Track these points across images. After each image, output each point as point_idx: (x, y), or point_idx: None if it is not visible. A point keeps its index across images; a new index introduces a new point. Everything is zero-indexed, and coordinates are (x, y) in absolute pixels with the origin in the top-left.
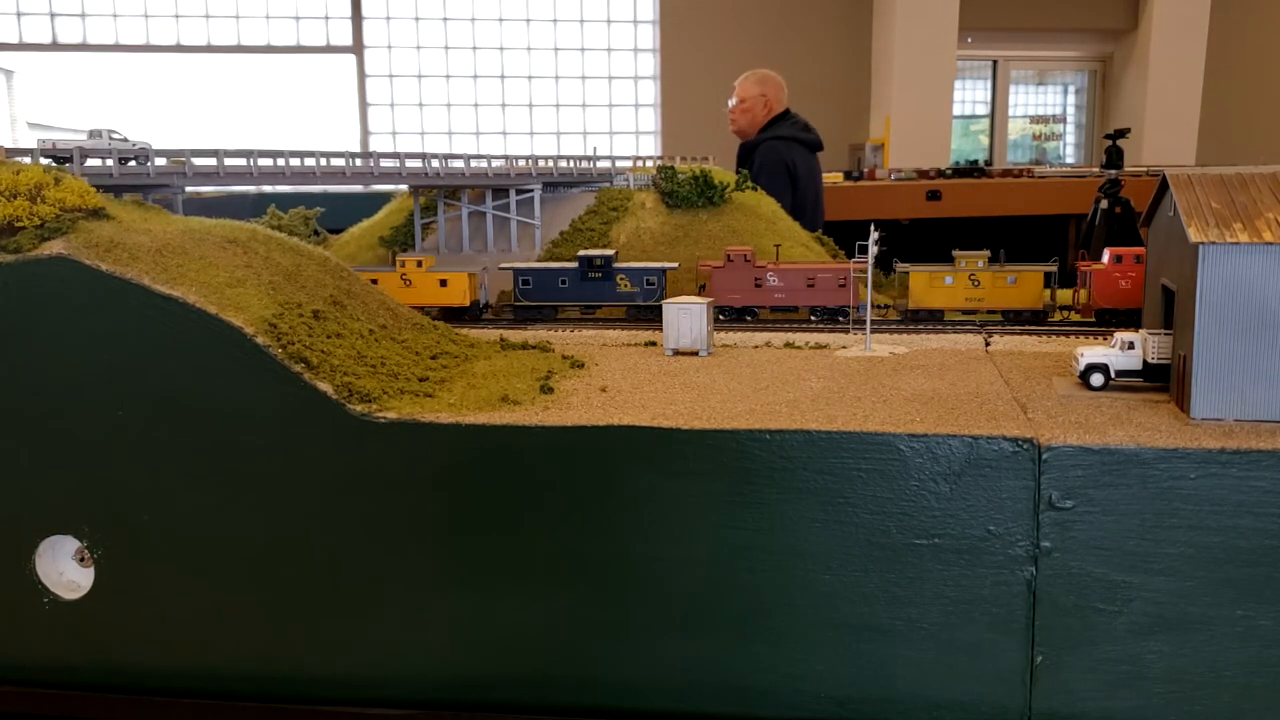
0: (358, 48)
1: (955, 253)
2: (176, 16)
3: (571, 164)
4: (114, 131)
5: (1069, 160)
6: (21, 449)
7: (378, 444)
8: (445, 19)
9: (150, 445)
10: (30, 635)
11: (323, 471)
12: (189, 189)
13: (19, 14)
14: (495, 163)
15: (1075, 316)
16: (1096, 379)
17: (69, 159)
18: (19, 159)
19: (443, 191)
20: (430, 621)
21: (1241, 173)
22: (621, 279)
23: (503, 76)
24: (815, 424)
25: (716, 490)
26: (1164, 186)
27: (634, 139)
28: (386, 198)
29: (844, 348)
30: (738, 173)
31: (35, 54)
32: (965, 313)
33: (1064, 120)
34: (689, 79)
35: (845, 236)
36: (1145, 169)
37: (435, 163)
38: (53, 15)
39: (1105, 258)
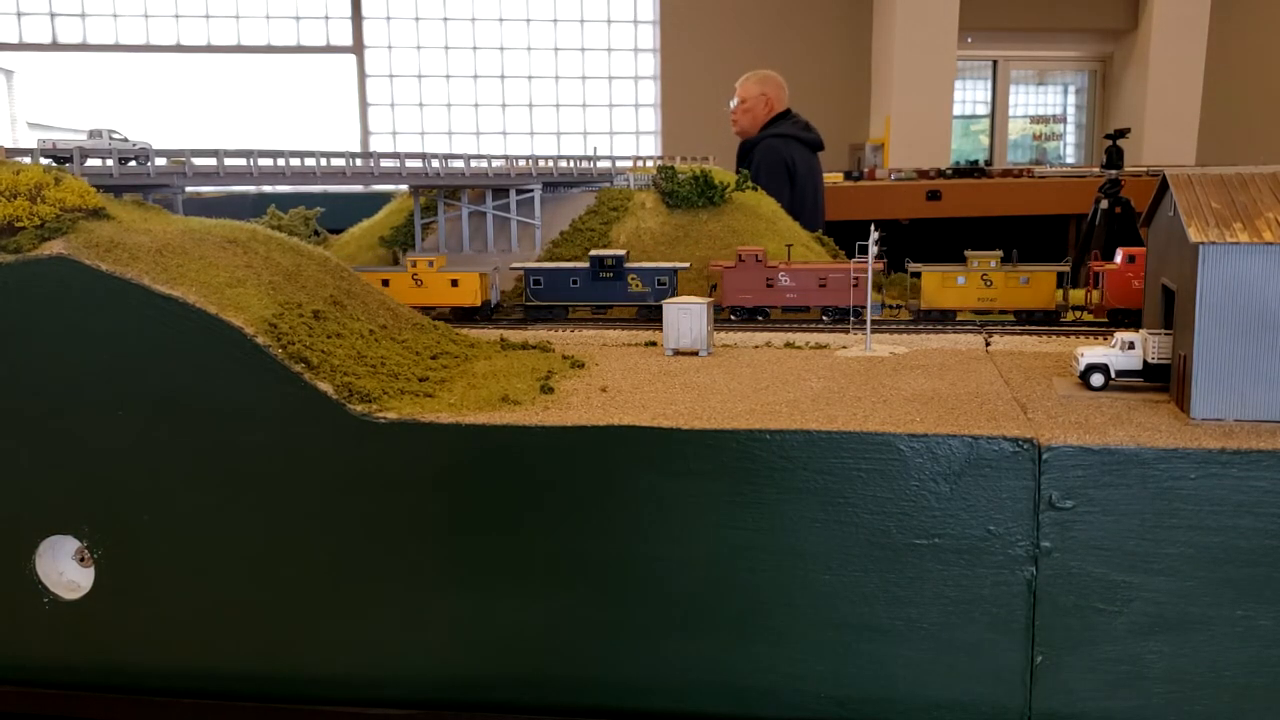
0: (358, 48)
1: (968, 253)
2: (176, 16)
3: (571, 164)
4: (114, 131)
5: (1069, 160)
6: (21, 449)
7: (378, 444)
8: (445, 19)
9: (150, 445)
10: (30, 635)
11: (323, 471)
12: (189, 189)
13: (19, 14)
14: (495, 163)
15: (1088, 317)
16: (1096, 379)
17: (69, 159)
18: (19, 159)
19: (443, 191)
20: (430, 621)
21: (1241, 173)
22: (633, 279)
23: (503, 76)
24: (815, 424)
25: (716, 490)
26: (1164, 186)
27: (634, 139)
28: (386, 198)
29: (844, 348)
30: (737, 172)
31: (35, 54)
32: (978, 313)
33: (1064, 120)
34: (689, 79)
35: (845, 236)
36: (1145, 169)
37: (435, 163)
38: (53, 15)
39: (1118, 258)
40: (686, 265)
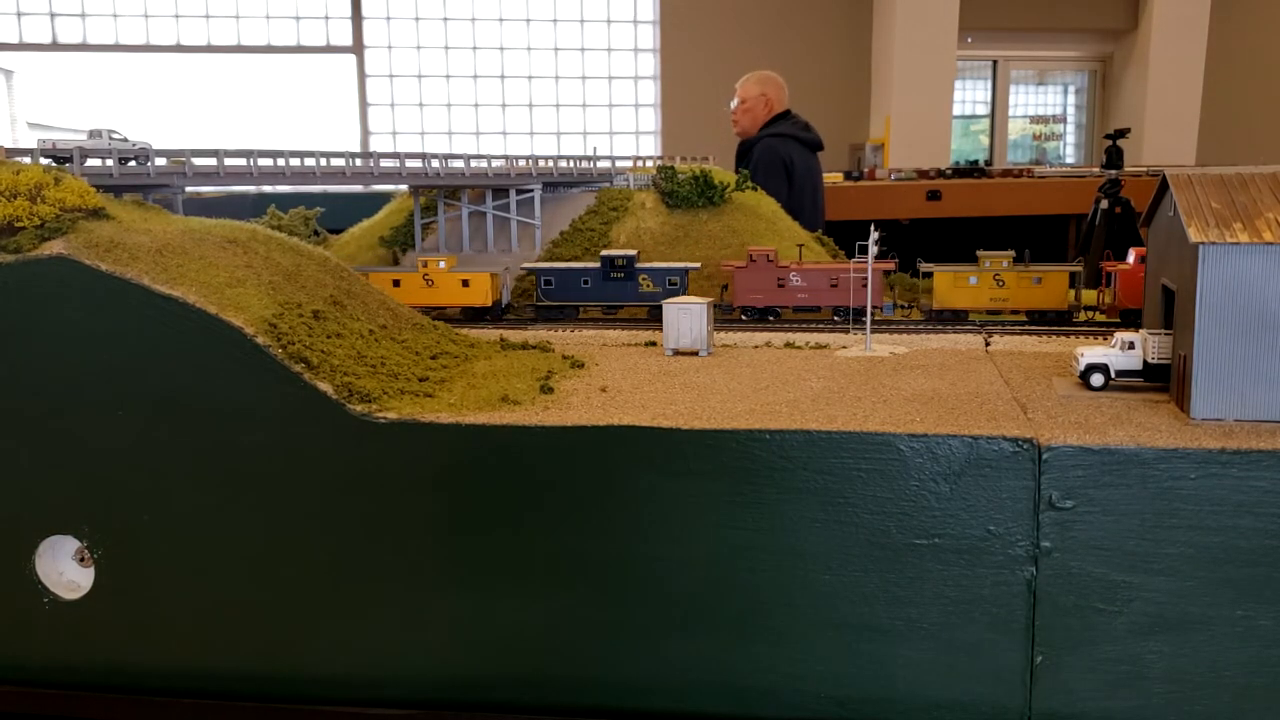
0: (358, 48)
1: (980, 253)
2: (176, 16)
3: (571, 164)
4: (114, 131)
5: (1069, 160)
6: (21, 449)
7: (378, 444)
8: (445, 19)
9: (150, 445)
10: (30, 635)
11: (323, 471)
12: (189, 189)
13: (19, 14)
14: (495, 163)
15: (1100, 317)
16: (1096, 379)
17: (69, 159)
18: (19, 159)
19: (443, 191)
20: (430, 621)
21: (1241, 173)
22: (644, 279)
23: (503, 76)
24: (815, 424)
25: (716, 490)
26: (1164, 186)
27: (634, 139)
28: (386, 198)
29: (844, 348)
30: (737, 172)
31: (35, 54)
32: (990, 313)
33: (1064, 120)
34: (689, 79)
35: (845, 236)
36: (1145, 169)
37: (435, 163)
38: (53, 15)
39: (1130, 258)
40: (698, 265)
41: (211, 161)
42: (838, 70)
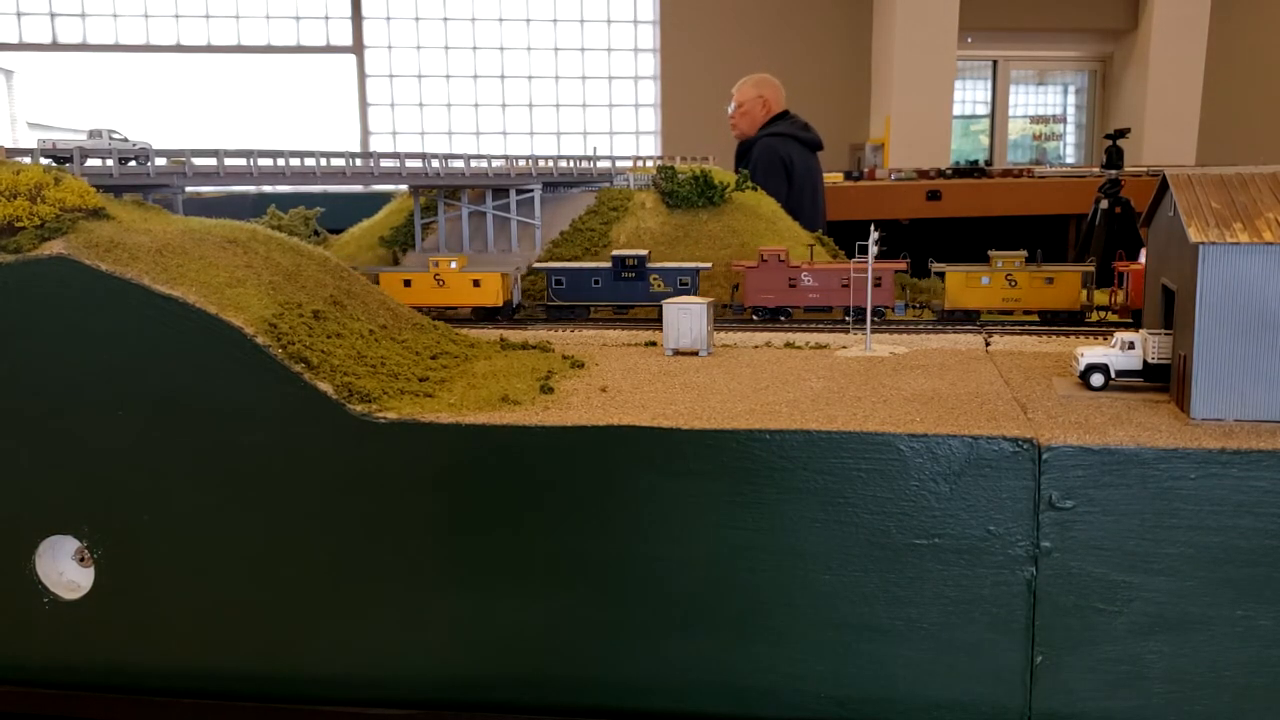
0: (358, 48)
1: (992, 253)
2: (176, 16)
3: (571, 164)
4: (114, 131)
5: (1069, 160)
6: (21, 449)
7: (378, 444)
8: (445, 19)
9: (150, 445)
10: (30, 635)
11: (323, 471)
12: (189, 189)
13: (19, 14)
14: (495, 163)
15: (1113, 317)
16: (1096, 379)
17: (69, 159)
18: (19, 159)
19: (443, 191)
20: (430, 621)
21: (1241, 173)
22: (655, 279)
23: (503, 76)
24: (815, 424)
25: (716, 490)
26: (1164, 186)
27: (634, 139)
28: (386, 198)
29: (844, 348)
30: (737, 172)
31: (35, 54)
32: (1002, 313)
33: (1064, 120)
34: (689, 79)
35: (845, 236)
36: (1145, 169)
37: (435, 163)
38: (53, 15)
39: (1143, 257)
40: (708, 265)
41: (211, 161)
42: (838, 70)
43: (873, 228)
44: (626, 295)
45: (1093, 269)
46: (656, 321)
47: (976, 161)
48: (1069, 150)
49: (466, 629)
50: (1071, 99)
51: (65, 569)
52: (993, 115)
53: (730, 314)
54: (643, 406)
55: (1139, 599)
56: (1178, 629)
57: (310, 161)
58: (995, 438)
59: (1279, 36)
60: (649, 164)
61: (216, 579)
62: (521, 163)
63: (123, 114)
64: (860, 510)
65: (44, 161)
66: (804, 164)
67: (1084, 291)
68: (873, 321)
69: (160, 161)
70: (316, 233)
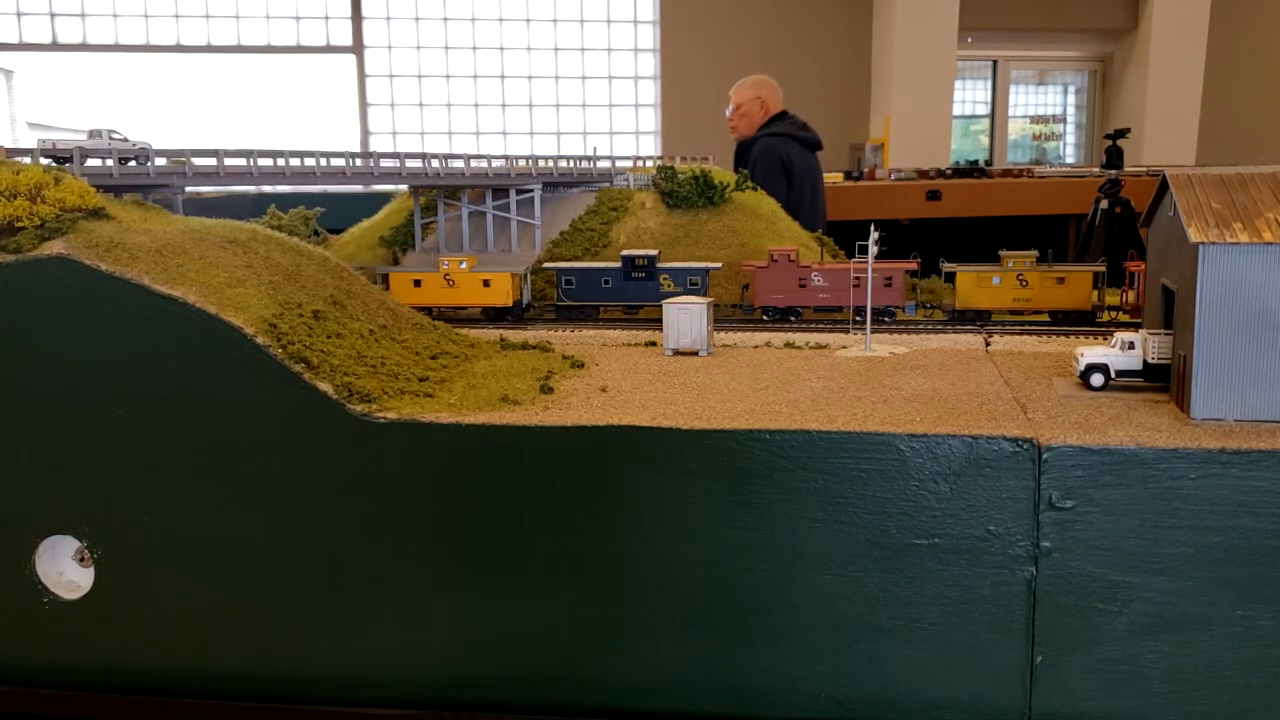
0: (358, 48)
1: (1002, 253)
2: (176, 16)
3: (571, 164)
4: (114, 131)
5: (1069, 160)
6: (21, 449)
7: (378, 444)
8: (445, 19)
9: (150, 445)
10: (30, 635)
11: (323, 471)
12: (189, 189)
13: (19, 14)
14: (495, 163)
15: (1124, 317)
16: (1096, 379)
17: (69, 159)
18: (19, 159)
19: (443, 191)
20: (430, 621)
21: (1241, 173)
22: (665, 279)
23: (503, 76)
24: (815, 424)
25: (716, 490)
26: (1164, 186)
27: (634, 139)
28: (386, 198)
29: (844, 348)
30: (736, 172)
31: (35, 54)
32: (1013, 313)
33: (1064, 120)
34: (689, 79)
35: (845, 236)
36: (1145, 169)
37: (435, 163)
38: (53, 15)
39: None
40: (719, 265)
41: (211, 161)
42: (838, 70)
43: (873, 228)
44: (636, 295)
45: (1104, 269)
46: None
47: (976, 161)
48: (1069, 150)
49: (466, 629)
50: (1071, 99)
51: (65, 569)
52: (993, 115)
53: (740, 314)
54: (643, 406)
55: (1139, 599)
56: (1178, 629)
57: (310, 161)
58: (995, 438)
59: (1279, 36)
60: (649, 164)
61: (216, 579)
62: (521, 163)
63: (123, 114)
64: (860, 510)
65: (44, 161)
66: (803, 163)
67: (1095, 291)
68: (882, 321)
69: (160, 161)
70: (316, 233)
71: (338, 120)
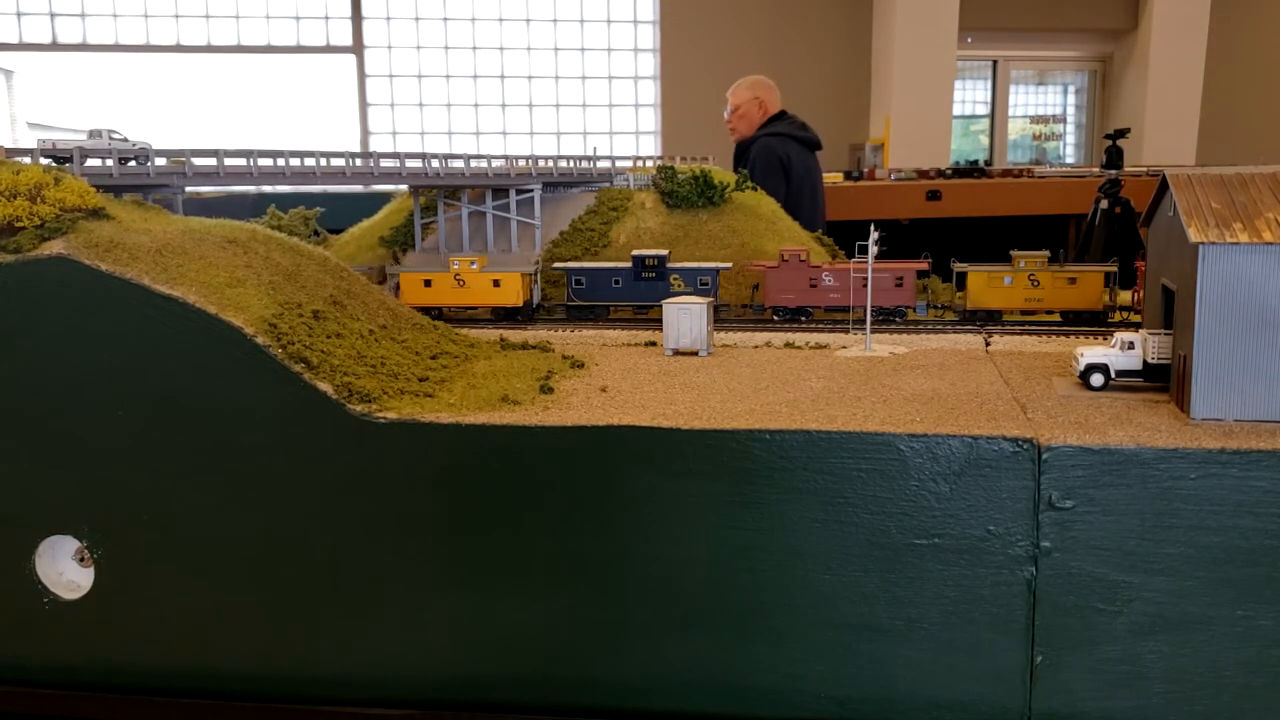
0: (358, 48)
1: (1014, 253)
2: (176, 16)
3: (571, 164)
4: (114, 131)
5: (1069, 160)
6: (21, 449)
7: (378, 444)
8: (445, 19)
9: (150, 445)
10: (30, 635)
11: (323, 471)
12: (189, 189)
13: (19, 14)
14: (495, 163)
15: (1135, 317)
16: (1096, 379)
17: (69, 159)
18: (19, 159)
19: (443, 191)
20: (430, 621)
21: (1241, 173)
22: (675, 279)
23: (503, 76)
24: (815, 424)
25: (716, 490)
26: (1164, 186)
27: (634, 139)
28: (386, 198)
29: (844, 348)
30: (736, 172)
31: (35, 54)
32: (1024, 313)
33: (1064, 120)
34: (689, 79)
35: (845, 236)
36: (1145, 169)
37: (435, 163)
38: (53, 15)
39: None
40: (729, 265)
41: (211, 161)
42: (838, 70)
43: (873, 228)
44: (646, 295)
45: (1115, 269)
46: None
47: (976, 161)
48: (1069, 150)
49: (466, 629)
50: (1071, 99)
51: (65, 569)
52: (993, 115)
53: (750, 314)
54: (643, 406)
55: (1139, 599)
56: (1178, 629)
57: (310, 161)
58: (995, 438)
59: (1279, 36)
60: (649, 164)
61: (216, 579)
62: (521, 163)
63: (123, 114)
64: (860, 510)
65: (44, 161)
66: (802, 163)
67: (1107, 291)
68: (893, 321)
69: (160, 161)
70: (316, 233)
71: (338, 120)
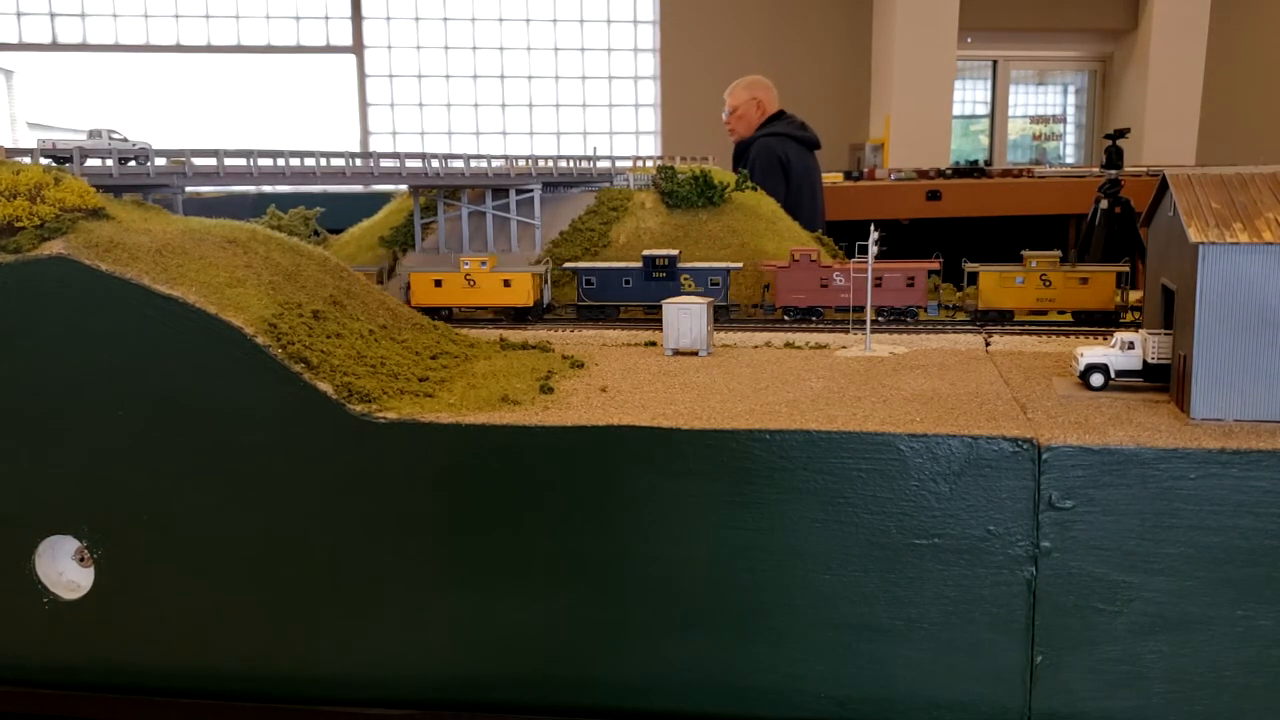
0: (358, 48)
1: (1025, 252)
2: (176, 16)
3: (571, 164)
4: (114, 131)
5: (1069, 160)
6: (21, 449)
7: (378, 444)
8: (445, 19)
9: (150, 445)
10: (30, 635)
11: (323, 471)
12: (189, 189)
13: (19, 14)
14: (495, 163)
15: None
16: (1096, 379)
17: (69, 159)
18: (19, 159)
19: (443, 191)
20: (430, 621)
21: (1241, 173)
22: (686, 279)
23: (503, 76)
24: (815, 424)
25: (716, 490)
26: (1164, 186)
27: (634, 139)
28: (386, 198)
29: (844, 348)
30: (736, 172)
31: (35, 54)
32: (1036, 313)
33: (1064, 120)
34: (689, 79)
35: (845, 236)
36: (1145, 169)
37: (435, 163)
38: (53, 15)
39: None
40: (739, 265)
41: (211, 161)
42: (838, 70)
43: (873, 228)
44: (657, 295)
45: (1127, 269)
46: None
47: (976, 161)
48: (1069, 150)
49: (466, 629)
50: (1071, 99)
51: (65, 569)
52: (993, 115)
53: (761, 314)
54: (643, 406)
55: (1139, 599)
56: (1178, 629)
57: (310, 161)
58: (995, 438)
59: (1279, 36)
60: (649, 164)
61: (216, 579)
62: (521, 163)
63: (123, 114)
64: (860, 510)
65: (44, 161)
66: (801, 163)
67: (1118, 292)
68: (904, 321)
69: (160, 161)
70: (316, 233)
71: (338, 120)
